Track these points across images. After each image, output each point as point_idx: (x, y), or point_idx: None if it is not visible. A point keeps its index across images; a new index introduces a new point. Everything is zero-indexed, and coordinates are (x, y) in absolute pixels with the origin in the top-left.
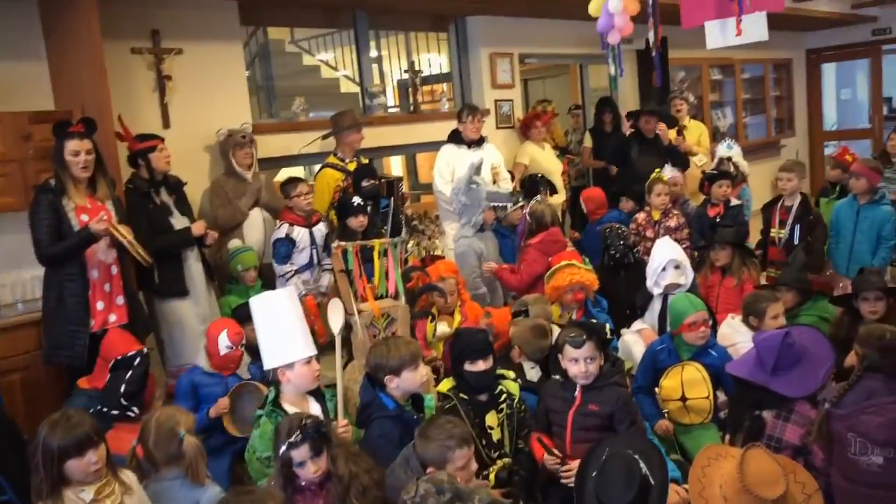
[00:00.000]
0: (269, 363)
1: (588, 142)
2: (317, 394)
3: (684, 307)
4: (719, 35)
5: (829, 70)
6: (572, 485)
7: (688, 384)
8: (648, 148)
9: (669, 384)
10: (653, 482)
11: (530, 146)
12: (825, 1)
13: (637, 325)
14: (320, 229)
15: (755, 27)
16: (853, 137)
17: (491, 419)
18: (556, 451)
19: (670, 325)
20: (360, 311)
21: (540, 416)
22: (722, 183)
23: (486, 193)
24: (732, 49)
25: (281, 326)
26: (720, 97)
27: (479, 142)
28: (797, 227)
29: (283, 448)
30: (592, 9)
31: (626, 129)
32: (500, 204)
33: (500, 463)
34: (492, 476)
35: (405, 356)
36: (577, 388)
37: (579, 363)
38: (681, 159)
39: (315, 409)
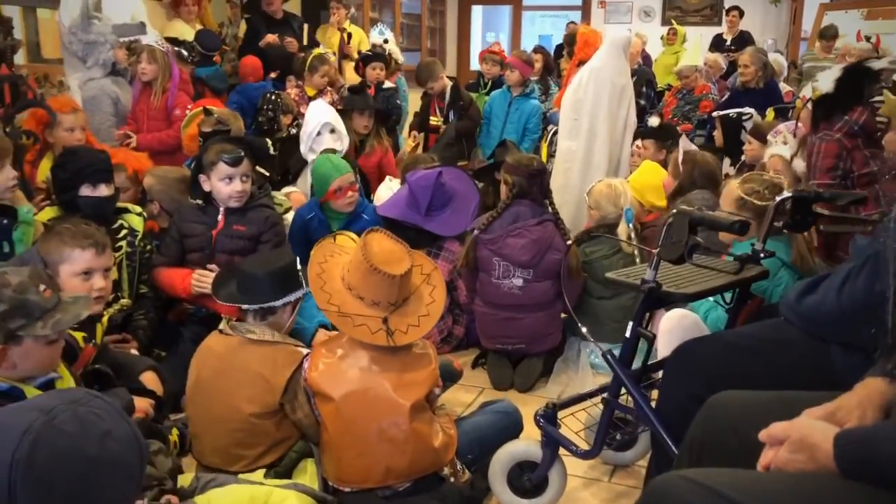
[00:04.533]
0: None
1: (242, 31)
2: None
3: (327, 171)
4: None
5: (477, 12)
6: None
7: None
8: (279, 28)
9: None
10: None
11: (179, 24)
12: None
13: (287, 189)
14: None
15: None
16: None
17: None
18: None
19: (316, 192)
20: None
21: (170, 245)
22: (375, 65)
23: (111, 27)
24: None
25: None
26: (380, 16)
27: None
28: (451, 113)
29: None
30: None
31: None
32: (131, 37)
33: (116, 305)
34: (105, 319)
35: None
36: (221, 211)
37: (234, 182)
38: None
39: None
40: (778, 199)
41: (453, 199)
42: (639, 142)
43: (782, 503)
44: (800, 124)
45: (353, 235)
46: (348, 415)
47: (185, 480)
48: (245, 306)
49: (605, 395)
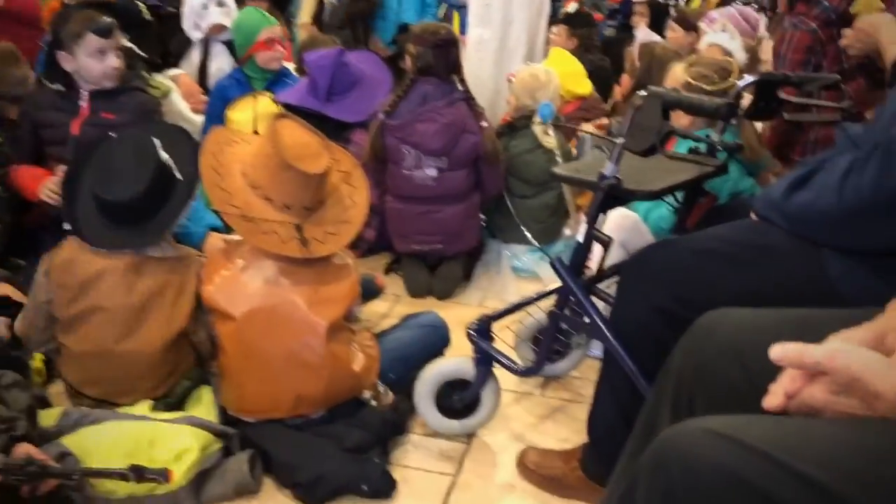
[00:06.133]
0: None
1: None
2: None
3: (256, 20)
4: None
5: None
6: None
7: (262, 118)
8: None
9: (241, 117)
10: (179, 176)
11: None
12: None
13: (173, 71)
14: None
15: None
16: None
17: None
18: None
19: (239, 47)
20: None
21: (23, 140)
22: None
23: None
24: None
25: None
26: None
27: None
28: None
29: None
30: None
31: None
32: None
33: None
34: None
35: None
36: (85, 96)
37: (108, 56)
38: None
39: None
40: (742, 83)
41: (360, 83)
42: (554, 28)
43: (875, 476)
44: None
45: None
46: (251, 336)
47: (49, 418)
48: (137, 254)
49: (537, 302)
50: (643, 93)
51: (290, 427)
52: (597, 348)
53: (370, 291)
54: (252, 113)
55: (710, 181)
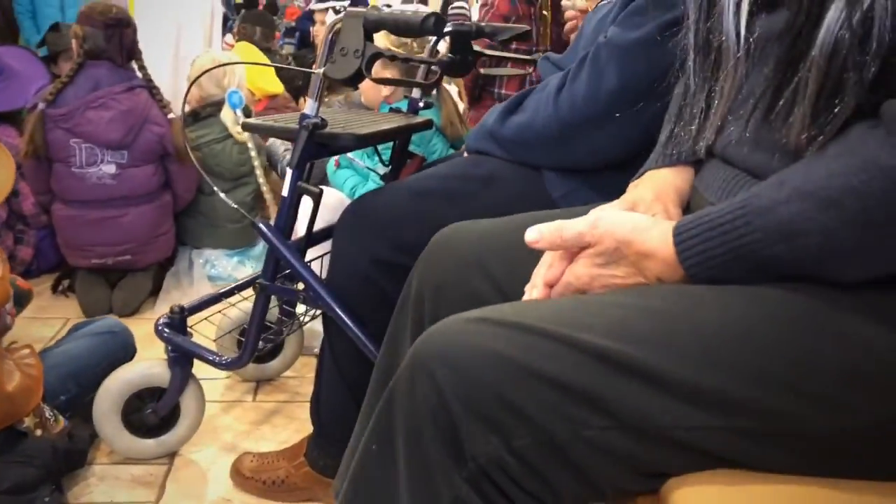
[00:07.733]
0: None
1: None
2: None
3: None
4: None
5: None
6: None
7: None
8: None
9: None
10: None
11: None
12: None
13: None
14: None
15: None
16: None
17: None
18: None
19: None
20: None
21: None
22: None
23: None
24: None
25: None
26: None
27: None
28: None
29: None
30: None
31: None
32: None
33: None
34: None
35: None
36: None
37: None
38: None
39: None
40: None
41: (6, 73)
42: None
43: (660, 332)
44: None
45: None
46: None
47: None
48: None
49: (241, 291)
50: (341, 14)
51: None
52: (314, 343)
53: (18, 296)
54: None
55: (417, 146)
